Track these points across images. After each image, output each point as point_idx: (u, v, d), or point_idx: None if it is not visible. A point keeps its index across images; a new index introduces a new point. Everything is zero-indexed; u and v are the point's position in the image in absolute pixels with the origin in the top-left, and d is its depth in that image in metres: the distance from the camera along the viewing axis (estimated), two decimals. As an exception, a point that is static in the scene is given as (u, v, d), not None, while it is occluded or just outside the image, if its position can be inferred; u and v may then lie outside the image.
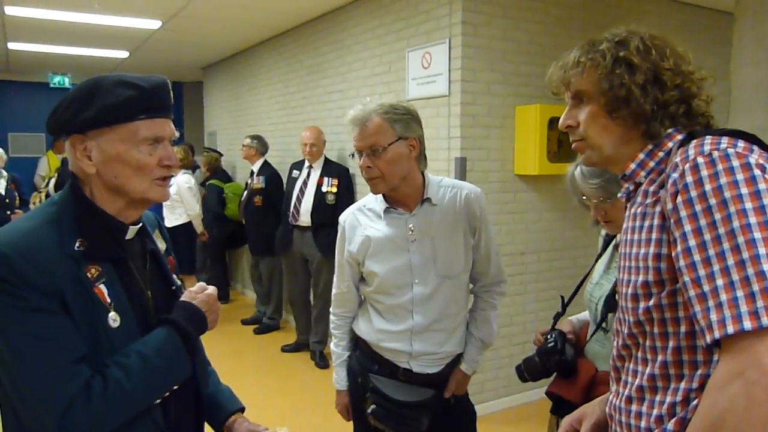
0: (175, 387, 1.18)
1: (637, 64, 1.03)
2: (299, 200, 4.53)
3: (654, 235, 0.98)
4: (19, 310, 1.01)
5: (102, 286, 1.10)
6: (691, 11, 4.43)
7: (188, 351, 1.18)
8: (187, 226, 5.71)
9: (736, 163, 0.88)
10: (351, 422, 2.05)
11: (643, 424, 1.01)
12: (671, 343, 0.97)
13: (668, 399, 0.97)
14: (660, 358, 0.99)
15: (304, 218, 4.47)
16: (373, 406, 1.83)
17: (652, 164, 1.06)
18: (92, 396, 1.03)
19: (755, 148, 0.92)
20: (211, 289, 1.28)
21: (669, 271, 0.95)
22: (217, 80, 7.40)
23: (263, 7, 4.61)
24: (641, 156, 1.07)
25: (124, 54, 6.78)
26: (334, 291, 2.02)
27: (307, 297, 4.79)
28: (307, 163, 4.56)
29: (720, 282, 0.84)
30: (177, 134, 1.23)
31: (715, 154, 0.89)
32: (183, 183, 5.56)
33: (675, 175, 0.93)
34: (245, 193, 5.42)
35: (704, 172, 0.89)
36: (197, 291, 1.26)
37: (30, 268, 1.02)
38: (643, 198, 1.04)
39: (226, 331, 5.35)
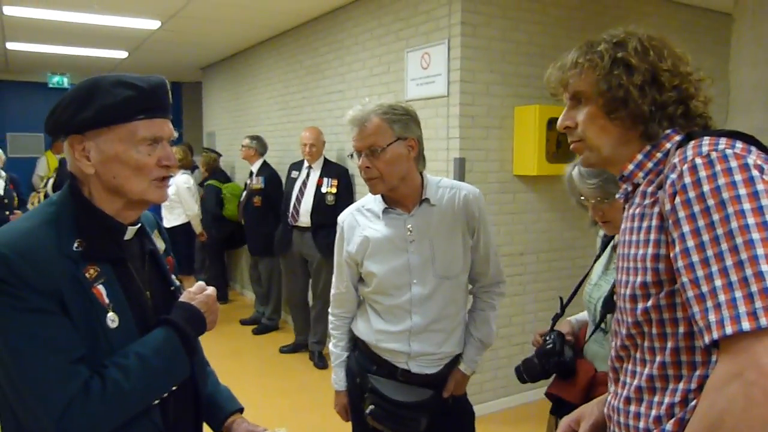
0: (174, 387, 1.18)
1: (636, 65, 1.03)
2: (299, 201, 4.52)
3: (652, 236, 0.98)
4: (17, 310, 1.01)
5: (100, 287, 1.10)
6: (690, 12, 4.44)
7: (187, 351, 1.18)
8: (186, 227, 5.70)
9: (734, 163, 0.88)
10: (350, 423, 2.05)
11: (641, 424, 1.01)
12: (670, 344, 0.97)
13: (667, 400, 0.97)
14: (658, 358, 0.99)
15: (304, 219, 4.47)
16: (371, 407, 1.83)
17: (650, 165, 1.06)
18: (91, 396, 1.03)
19: (753, 148, 0.92)
20: (210, 290, 1.28)
21: (667, 272, 0.95)
22: (216, 80, 7.39)
23: (262, 7, 4.61)
24: (639, 157, 1.07)
25: (123, 54, 6.78)
26: (332, 291, 2.02)
27: (305, 297, 4.79)
28: (306, 164, 4.55)
29: (718, 283, 0.84)
30: (176, 134, 1.23)
31: (713, 155, 0.89)
32: (182, 183, 5.56)
33: (673, 176, 0.93)
34: (244, 193, 5.42)
35: (702, 173, 0.89)
36: (196, 291, 1.26)
37: (28, 269, 1.02)
38: (641, 199, 1.04)
39: (225, 331, 5.35)
